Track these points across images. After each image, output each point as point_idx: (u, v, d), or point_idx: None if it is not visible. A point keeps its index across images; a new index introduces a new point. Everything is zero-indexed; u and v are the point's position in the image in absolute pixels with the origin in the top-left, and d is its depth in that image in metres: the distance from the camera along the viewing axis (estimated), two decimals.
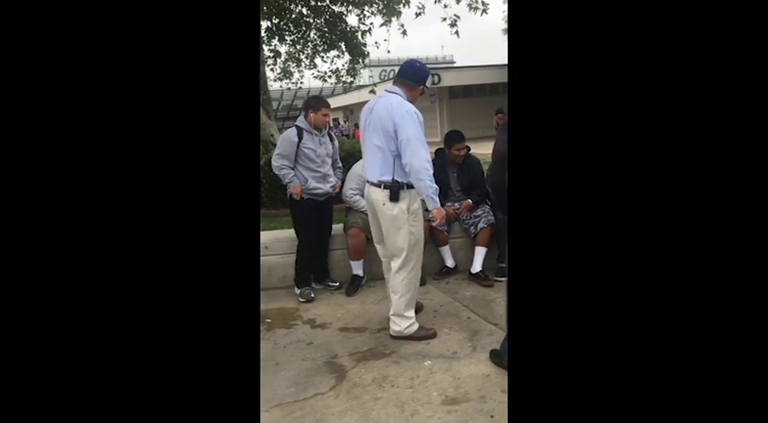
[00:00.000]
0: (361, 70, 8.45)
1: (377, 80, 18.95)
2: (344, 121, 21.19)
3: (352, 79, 8.25)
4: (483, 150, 3.84)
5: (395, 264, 2.21)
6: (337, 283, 3.00)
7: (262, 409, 1.79)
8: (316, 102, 2.92)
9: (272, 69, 8.23)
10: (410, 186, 2.11)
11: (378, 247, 2.37)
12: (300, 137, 2.80)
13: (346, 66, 7.93)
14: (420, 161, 2.04)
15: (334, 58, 7.96)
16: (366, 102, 2.40)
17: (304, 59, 8.13)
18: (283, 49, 7.77)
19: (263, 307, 2.80)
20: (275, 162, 2.83)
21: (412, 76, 2.19)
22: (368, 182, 2.22)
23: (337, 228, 3.09)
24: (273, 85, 8.56)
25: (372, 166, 2.16)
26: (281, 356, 2.20)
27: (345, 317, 2.58)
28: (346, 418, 1.68)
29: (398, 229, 2.15)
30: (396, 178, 2.10)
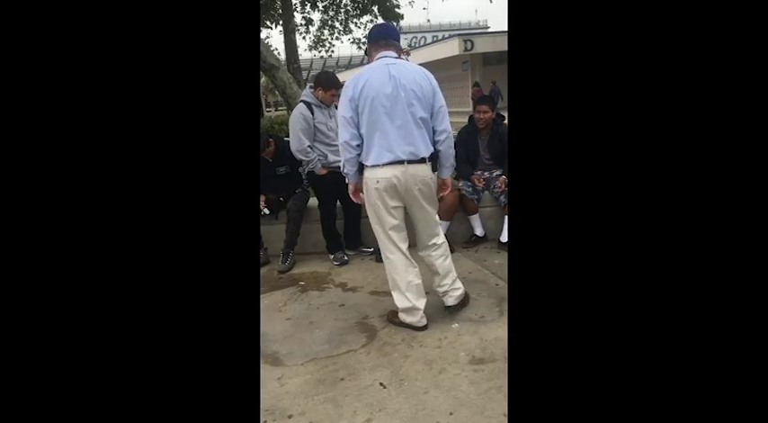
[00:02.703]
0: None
1: (405, 47, 18.44)
2: None
3: None
4: None
5: (437, 231, 2.11)
6: (371, 249, 3.07)
7: (298, 362, 1.91)
8: (327, 81, 2.84)
9: (303, 37, 8.19)
10: None
11: (399, 235, 2.04)
12: (312, 112, 2.78)
13: None
14: (450, 127, 2.01)
15: (368, 24, 7.83)
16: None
17: (337, 25, 8.03)
18: (316, 16, 7.70)
19: (297, 270, 2.93)
20: (298, 143, 2.76)
21: (390, 35, 2.01)
22: (407, 162, 1.90)
23: None
24: (304, 53, 8.53)
25: (416, 140, 1.90)
26: (315, 316, 2.31)
27: (375, 281, 2.66)
28: (377, 373, 1.78)
29: (435, 201, 2.08)
30: (434, 147, 1.99)
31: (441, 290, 2.16)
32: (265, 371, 1.87)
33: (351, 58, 17.95)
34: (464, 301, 2.23)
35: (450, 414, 1.51)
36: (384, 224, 2.02)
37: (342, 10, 7.58)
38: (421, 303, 2.06)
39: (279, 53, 6.55)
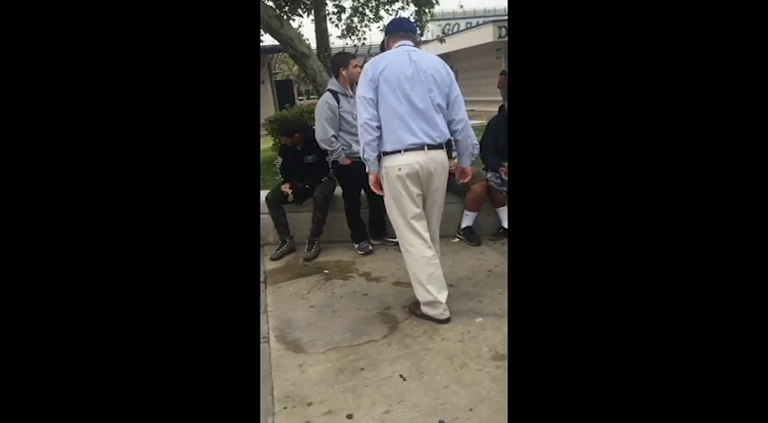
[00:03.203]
0: (428, 23, 8.12)
1: (439, 34, 18.11)
2: None
3: (420, 32, 7.98)
4: None
5: (437, 223, 2.12)
6: (396, 239, 3.04)
7: (319, 350, 1.93)
8: (342, 58, 2.85)
9: (336, 25, 8.15)
10: None
11: (420, 224, 2.00)
12: (338, 101, 2.75)
13: (412, 18, 7.66)
14: (466, 117, 2.03)
15: (399, 11, 7.72)
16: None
17: (368, 13, 7.95)
18: (347, 3, 7.65)
19: (322, 259, 2.95)
20: (323, 133, 2.75)
21: (412, 28, 2.08)
22: (427, 147, 1.90)
23: None
24: (336, 42, 8.50)
25: (437, 125, 1.93)
26: (338, 305, 2.32)
27: (399, 272, 2.65)
28: (397, 365, 1.77)
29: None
30: (448, 136, 2.01)
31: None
32: (287, 357, 1.90)
33: (370, 46, 17.80)
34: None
35: (471, 410, 1.49)
36: (407, 214, 1.99)
37: None
38: (443, 296, 2.02)
39: (309, 42, 6.55)
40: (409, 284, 2.48)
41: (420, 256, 2.01)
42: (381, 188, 2.05)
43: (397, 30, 2.03)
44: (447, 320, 2.03)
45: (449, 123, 1.99)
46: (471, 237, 3.00)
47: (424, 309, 2.06)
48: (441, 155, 1.98)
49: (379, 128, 1.92)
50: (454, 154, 2.22)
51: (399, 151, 1.90)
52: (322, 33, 6.70)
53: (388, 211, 2.07)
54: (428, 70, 1.91)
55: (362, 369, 1.77)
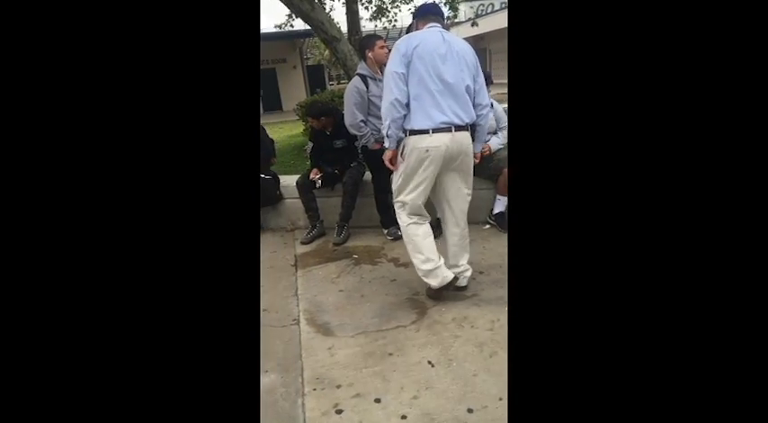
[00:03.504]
0: (459, 4, 7.90)
1: (470, 16, 17.60)
2: None
3: (454, 13, 7.78)
4: None
5: (465, 210, 2.12)
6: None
7: (348, 334, 1.94)
8: (368, 40, 2.82)
9: (366, 8, 8.05)
10: None
11: (423, 199, 2.03)
12: (366, 85, 2.71)
13: None
14: (489, 100, 2.11)
15: None
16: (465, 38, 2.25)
17: None
18: None
19: (351, 243, 2.96)
20: (351, 118, 2.73)
21: (440, 12, 2.08)
22: (455, 128, 1.89)
23: None
24: (367, 25, 8.41)
25: (464, 106, 1.93)
26: (367, 290, 2.33)
27: None
28: (426, 351, 1.77)
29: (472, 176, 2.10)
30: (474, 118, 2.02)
31: (456, 270, 2.15)
32: (317, 340, 1.93)
33: (410, 26, 17.41)
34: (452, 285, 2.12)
35: (500, 399, 1.47)
36: (418, 193, 2.01)
37: None
38: (442, 260, 2.08)
39: (340, 25, 6.50)
40: None
41: (421, 230, 2.07)
42: (395, 165, 2.04)
43: (426, 14, 2.04)
44: (455, 279, 2.07)
45: (476, 108, 2.01)
46: (503, 223, 2.93)
47: (431, 282, 2.07)
48: (467, 137, 1.97)
49: (408, 105, 1.90)
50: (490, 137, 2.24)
51: (428, 131, 1.88)
52: (353, 16, 6.63)
53: (396, 184, 2.09)
54: (460, 51, 1.92)
55: (391, 354, 1.77)
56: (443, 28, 2.00)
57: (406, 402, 1.50)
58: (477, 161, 2.15)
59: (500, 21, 17.84)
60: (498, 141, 2.98)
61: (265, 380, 1.68)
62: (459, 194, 2.07)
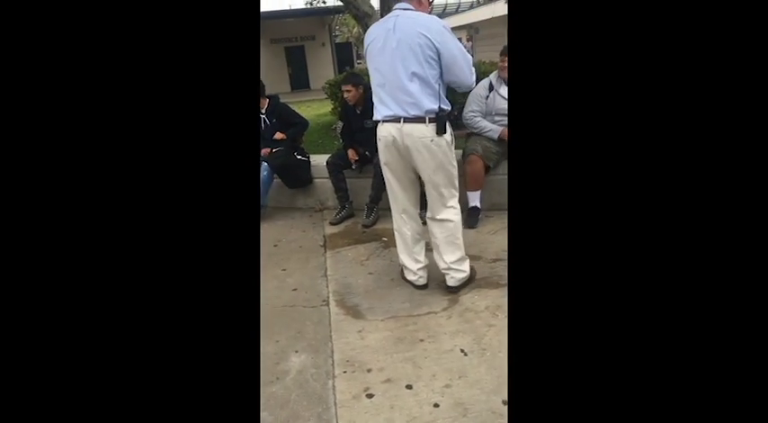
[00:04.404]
0: None
1: None
2: (468, 41, 19.82)
3: None
4: None
5: (445, 204, 1.94)
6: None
7: (378, 318, 1.92)
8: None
9: None
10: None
11: (399, 196, 2.01)
12: None
13: None
14: (473, 74, 1.84)
15: None
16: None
17: None
18: None
19: (380, 226, 2.93)
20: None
21: None
22: (403, 119, 1.79)
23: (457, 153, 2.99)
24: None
25: (406, 98, 1.77)
26: (396, 273, 2.30)
27: None
28: (458, 339, 1.73)
29: (448, 164, 1.88)
30: (442, 106, 1.79)
31: (441, 266, 2.04)
32: (347, 322, 1.91)
33: (445, 5, 16.98)
34: (469, 281, 2.09)
35: None
36: (389, 182, 2.02)
37: None
38: (414, 265, 2.09)
39: (372, 1, 6.36)
40: (471, 257, 2.40)
41: (395, 225, 2.10)
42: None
43: None
44: (423, 287, 2.11)
45: (450, 84, 1.81)
46: (469, 218, 2.76)
47: (404, 273, 2.17)
48: (418, 129, 1.78)
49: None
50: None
51: (380, 121, 1.89)
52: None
53: None
54: (404, 38, 1.73)
55: (422, 340, 1.74)
56: (418, 5, 1.83)
57: (438, 390, 1.47)
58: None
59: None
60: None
61: (296, 359, 1.69)
62: (427, 190, 1.96)
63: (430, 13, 1.93)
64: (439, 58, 1.74)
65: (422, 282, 2.12)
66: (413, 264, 2.11)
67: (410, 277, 2.14)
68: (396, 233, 2.12)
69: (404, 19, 1.78)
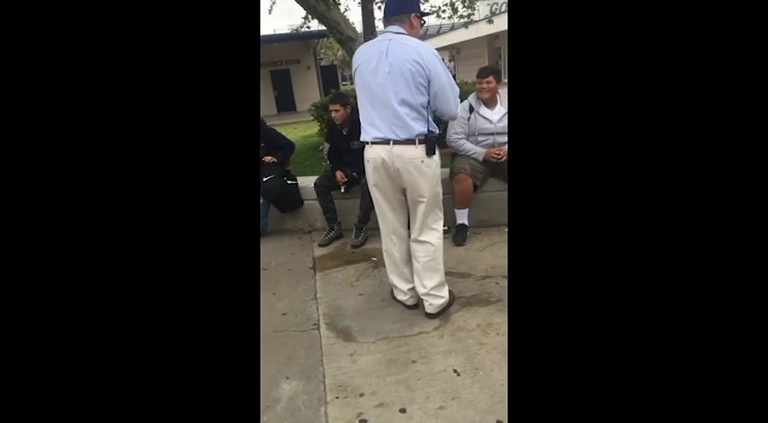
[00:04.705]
0: (477, 2, 7.82)
1: (486, 14, 17.48)
2: (450, 61, 20.26)
3: (471, 11, 7.69)
4: None
5: (429, 226, 1.95)
6: (446, 227, 2.97)
7: (370, 340, 1.90)
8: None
9: (379, 8, 8.00)
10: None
11: (388, 217, 1.99)
12: None
13: None
14: (458, 107, 1.88)
15: None
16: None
17: None
18: None
19: (369, 246, 2.92)
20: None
21: (399, 9, 1.84)
22: (392, 141, 1.80)
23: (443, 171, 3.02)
24: (380, 25, 8.36)
25: (396, 122, 1.78)
26: (386, 293, 2.28)
27: (449, 262, 2.57)
28: (450, 359, 1.72)
29: (436, 186, 1.90)
30: (431, 129, 1.82)
31: (421, 291, 2.02)
32: (338, 346, 1.89)
33: (427, 27, 17.36)
34: (448, 306, 2.06)
35: None
36: (378, 203, 2.00)
37: None
38: (405, 285, 2.09)
39: (356, 25, 6.48)
40: (460, 274, 2.42)
41: (384, 247, 2.09)
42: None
43: (385, 15, 1.87)
44: (413, 307, 2.11)
45: (440, 117, 1.86)
46: (457, 235, 2.81)
47: (394, 292, 2.18)
48: (409, 151, 1.80)
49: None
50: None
51: (368, 143, 1.88)
52: (368, 16, 6.60)
53: None
54: (395, 62, 1.75)
55: (414, 361, 1.72)
56: (409, 29, 1.83)
57: (433, 413, 1.45)
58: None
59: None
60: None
61: (287, 386, 1.65)
62: (414, 213, 1.95)
63: (424, 36, 1.98)
64: (429, 86, 1.77)
65: (412, 302, 2.11)
66: (403, 284, 2.10)
67: (400, 297, 2.14)
68: (385, 254, 2.11)
69: (396, 44, 1.78)
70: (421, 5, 1.97)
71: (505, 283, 2.28)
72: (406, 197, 1.98)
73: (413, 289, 2.09)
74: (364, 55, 1.84)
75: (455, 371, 1.64)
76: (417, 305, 2.10)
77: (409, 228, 2.21)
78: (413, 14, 1.84)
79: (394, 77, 1.75)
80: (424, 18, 1.94)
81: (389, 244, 2.06)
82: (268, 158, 3.19)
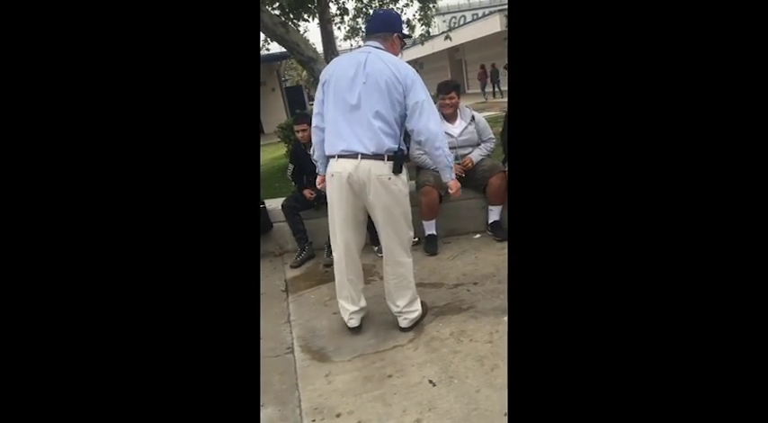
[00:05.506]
0: (434, 18, 8.06)
1: (445, 29, 18.02)
2: None
3: (427, 29, 7.89)
4: None
5: (399, 246, 1.92)
6: (416, 239, 3.00)
7: (345, 359, 1.89)
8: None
9: (339, 28, 8.13)
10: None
11: (342, 236, 1.92)
12: None
13: (417, 15, 7.59)
14: (437, 126, 1.79)
15: (403, 8, 7.67)
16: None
17: (371, 13, 7.91)
18: (351, 4, 7.61)
19: None
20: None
21: (383, 27, 1.86)
22: (360, 155, 1.75)
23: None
24: (343, 44, 8.49)
25: (367, 134, 1.74)
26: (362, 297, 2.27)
27: (421, 273, 2.59)
28: (426, 370, 1.72)
29: (404, 205, 1.87)
30: (401, 146, 1.80)
31: (393, 309, 2.03)
32: (313, 367, 1.87)
33: None
34: (421, 318, 2.07)
35: (505, 415, 1.42)
36: (333, 220, 1.93)
37: None
38: (350, 306, 2.04)
39: (316, 46, 6.56)
40: (432, 285, 2.44)
41: (336, 265, 2.02)
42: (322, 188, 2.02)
43: (367, 32, 1.91)
44: (355, 329, 2.06)
45: (408, 135, 1.83)
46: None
47: (341, 311, 2.10)
48: (377, 166, 1.75)
49: (324, 130, 1.90)
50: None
51: (334, 157, 1.83)
52: (328, 36, 6.69)
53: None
54: (373, 74, 1.73)
55: (390, 376, 1.72)
56: (388, 45, 1.85)
57: None
58: (453, 191, 2.03)
59: (473, 32, 18.20)
60: (479, 153, 2.98)
61: (261, 414, 1.62)
62: (381, 231, 1.90)
63: (402, 54, 1.98)
64: (405, 101, 1.75)
65: (354, 324, 2.05)
66: (348, 305, 2.04)
67: (345, 317, 2.07)
68: (336, 273, 2.03)
69: (375, 57, 1.76)
70: (404, 28, 1.99)
71: (476, 289, 2.31)
72: (367, 217, 1.94)
73: (358, 311, 2.05)
74: (340, 66, 1.81)
75: (431, 381, 1.65)
76: (360, 328, 2.06)
77: (375, 243, 2.21)
78: (395, 34, 1.87)
79: (369, 89, 1.72)
80: (404, 40, 1.96)
81: (339, 264, 1.99)
82: None
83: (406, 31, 1.96)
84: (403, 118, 1.79)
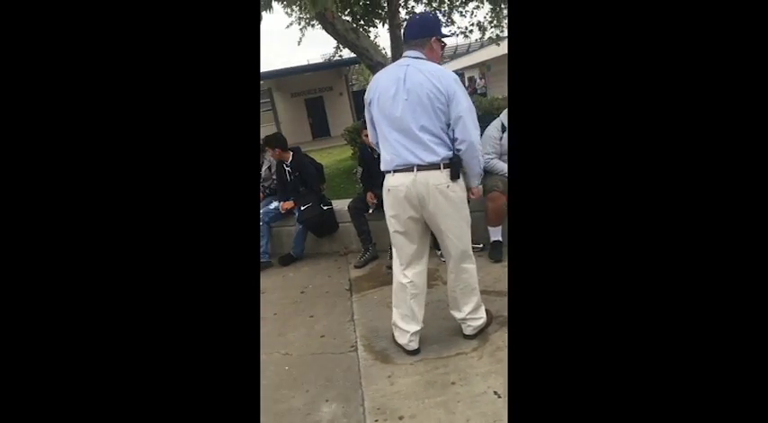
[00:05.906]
0: (505, 20, 7.87)
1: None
2: (480, 78, 20.27)
3: (499, 31, 7.71)
4: None
5: (463, 253, 1.88)
6: (481, 245, 2.94)
7: (407, 362, 1.89)
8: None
9: None
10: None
11: (404, 250, 1.89)
12: None
13: (488, 17, 7.44)
14: (477, 136, 1.78)
15: (474, 11, 7.55)
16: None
17: (441, 17, 7.88)
18: (420, 8, 7.62)
19: None
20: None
21: (420, 33, 1.81)
22: (416, 166, 1.74)
23: None
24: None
25: (419, 147, 1.74)
26: (423, 314, 2.26)
27: (486, 279, 2.53)
28: (491, 380, 1.68)
29: (464, 211, 1.84)
30: (455, 152, 1.77)
31: (458, 316, 1.98)
32: (376, 367, 1.89)
33: (456, 47, 17.57)
34: (486, 327, 2.03)
35: None
36: (395, 236, 1.91)
37: (446, 0, 7.38)
38: (408, 326, 1.94)
39: (385, 51, 6.65)
40: (497, 293, 2.37)
41: (396, 279, 1.96)
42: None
43: (405, 39, 1.86)
44: (414, 352, 1.94)
45: (452, 142, 1.78)
46: (494, 252, 2.77)
47: (395, 333, 2.01)
48: (434, 176, 1.75)
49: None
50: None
51: (390, 172, 1.82)
52: (396, 41, 6.75)
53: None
54: (414, 89, 1.72)
55: (453, 383, 1.70)
56: (429, 52, 1.81)
57: None
58: (475, 197, 2.02)
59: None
60: (503, 167, 2.85)
61: (326, 409, 1.66)
62: (444, 239, 1.87)
63: (442, 58, 1.95)
64: (448, 110, 1.73)
65: (413, 347, 1.94)
66: (408, 325, 1.94)
67: (401, 341, 1.96)
68: (394, 290, 1.97)
69: (414, 70, 1.75)
70: (442, 28, 1.95)
71: None
72: (426, 228, 1.91)
73: (417, 333, 1.95)
74: (382, 81, 1.82)
75: (495, 393, 1.60)
76: (419, 350, 1.94)
77: (437, 246, 2.17)
78: (434, 38, 1.83)
79: (412, 105, 1.72)
80: (445, 41, 1.92)
81: (401, 278, 1.93)
82: (286, 205, 3.33)
83: (445, 31, 1.91)
84: (449, 125, 1.78)
